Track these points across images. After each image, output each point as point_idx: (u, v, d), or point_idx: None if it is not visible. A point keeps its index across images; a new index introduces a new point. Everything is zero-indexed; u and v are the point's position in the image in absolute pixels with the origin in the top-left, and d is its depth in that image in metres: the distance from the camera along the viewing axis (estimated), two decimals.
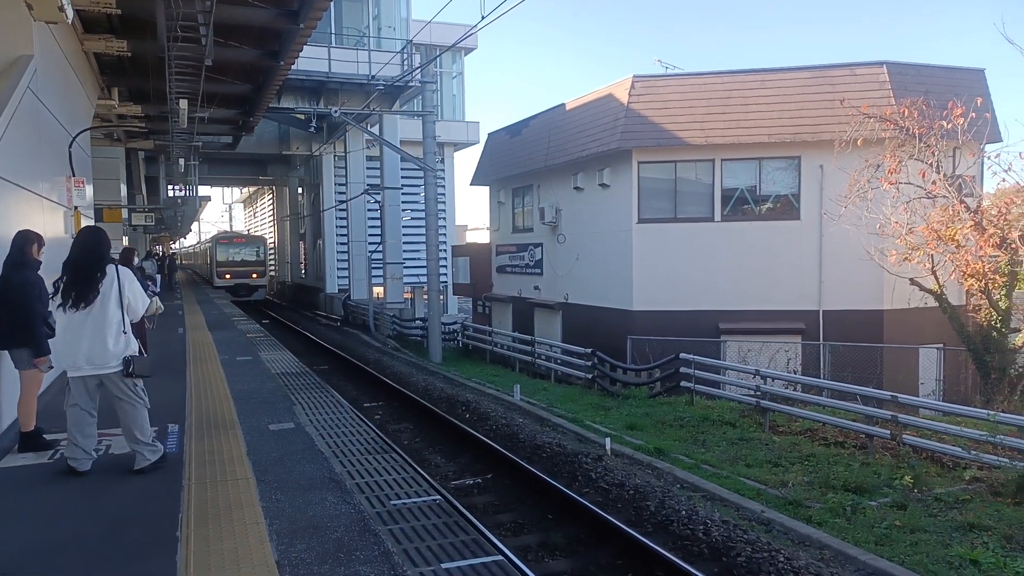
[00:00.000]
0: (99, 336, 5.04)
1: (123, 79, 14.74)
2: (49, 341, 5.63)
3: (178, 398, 8.11)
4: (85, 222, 11.76)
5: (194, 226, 63.51)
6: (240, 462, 5.67)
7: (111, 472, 5.31)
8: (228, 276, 35.98)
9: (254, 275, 36.98)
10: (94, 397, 5.23)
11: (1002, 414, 9.96)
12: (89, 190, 12.48)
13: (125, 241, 19.44)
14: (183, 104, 13.12)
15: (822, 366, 15.68)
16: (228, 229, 67.31)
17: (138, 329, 10.62)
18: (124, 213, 19.53)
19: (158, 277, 19.38)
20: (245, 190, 64.34)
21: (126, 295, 5.18)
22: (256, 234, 46.00)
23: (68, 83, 11.26)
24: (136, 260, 11.48)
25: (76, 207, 10.82)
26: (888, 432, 10.54)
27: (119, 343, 5.11)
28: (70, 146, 11.00)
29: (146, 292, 12.09)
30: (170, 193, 32.85)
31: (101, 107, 14.69)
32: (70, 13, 6.91)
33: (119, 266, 5.26)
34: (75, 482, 5.17)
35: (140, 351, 5.31)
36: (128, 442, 5.32)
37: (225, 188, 66.10)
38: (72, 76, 11.53)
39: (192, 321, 16.84)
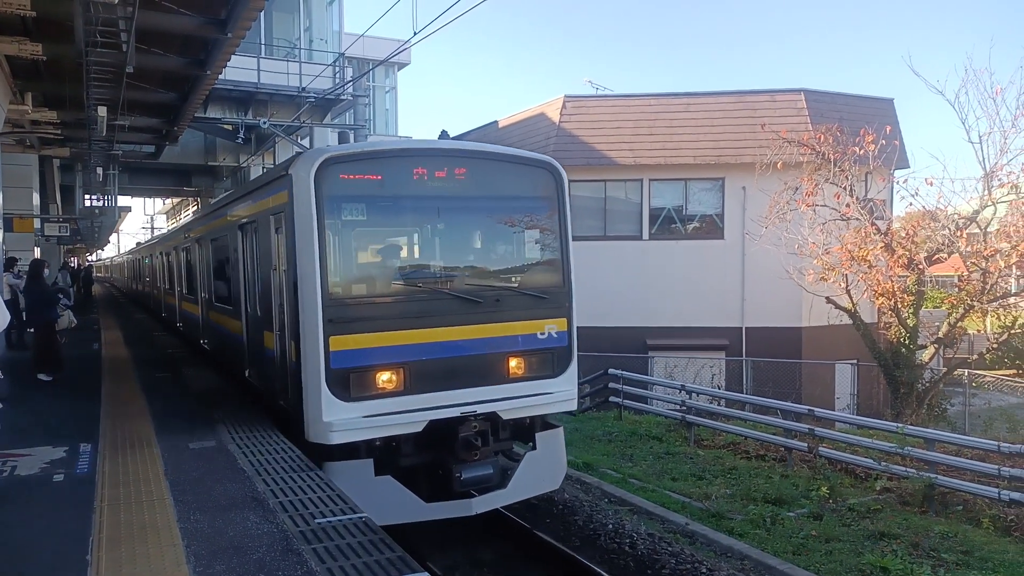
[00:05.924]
0: None
1: (38, 84, 14.10)
2: None
3: (91, 416, 7.78)
4: None
5: (112, 237, 60.93)
6: (157, 482, 5.47)
7: (17, 495, 5.04)
8: (391, 378, 6.54)
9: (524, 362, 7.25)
10: None
11: (910, 427, 10.49)
12: None
13: (37, 252, 18.56)
14: (102, 111, 12.63)
15: (744, 381, 16.17)
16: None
17: (50, 343, 10.19)
18: (36, 223, 18.67)
19: (71, 290, 18.56)
20: (168, 201, 62.21)
21: None
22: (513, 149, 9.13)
23: None
24: (47, 272, 10.98)
25: None
26: (805, 445, 10.93)
27: None
28: None
29: (58, 305, 11.47)
30: (87, 203, 31.44)
31: (13, 112, 14.02)
32: None
33: None
34: None
35: None
36: None
37: (147, 199, 63.76)
38: None
39: (109, 336, 16.15)
